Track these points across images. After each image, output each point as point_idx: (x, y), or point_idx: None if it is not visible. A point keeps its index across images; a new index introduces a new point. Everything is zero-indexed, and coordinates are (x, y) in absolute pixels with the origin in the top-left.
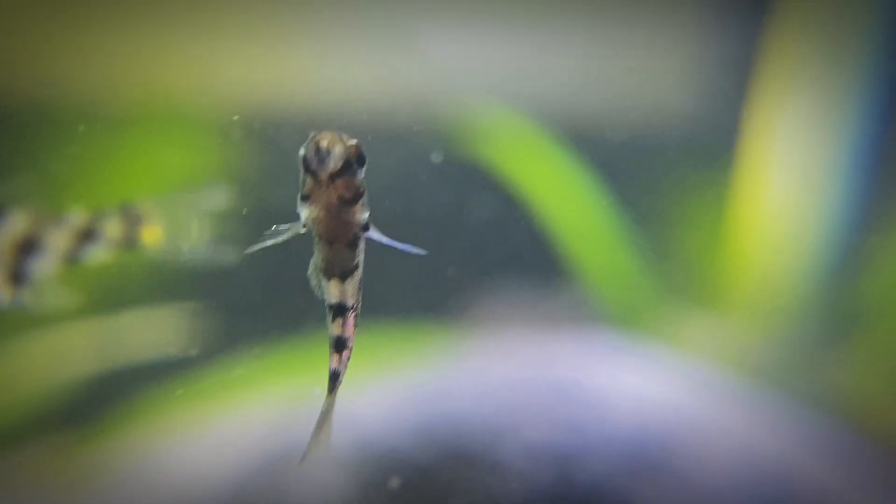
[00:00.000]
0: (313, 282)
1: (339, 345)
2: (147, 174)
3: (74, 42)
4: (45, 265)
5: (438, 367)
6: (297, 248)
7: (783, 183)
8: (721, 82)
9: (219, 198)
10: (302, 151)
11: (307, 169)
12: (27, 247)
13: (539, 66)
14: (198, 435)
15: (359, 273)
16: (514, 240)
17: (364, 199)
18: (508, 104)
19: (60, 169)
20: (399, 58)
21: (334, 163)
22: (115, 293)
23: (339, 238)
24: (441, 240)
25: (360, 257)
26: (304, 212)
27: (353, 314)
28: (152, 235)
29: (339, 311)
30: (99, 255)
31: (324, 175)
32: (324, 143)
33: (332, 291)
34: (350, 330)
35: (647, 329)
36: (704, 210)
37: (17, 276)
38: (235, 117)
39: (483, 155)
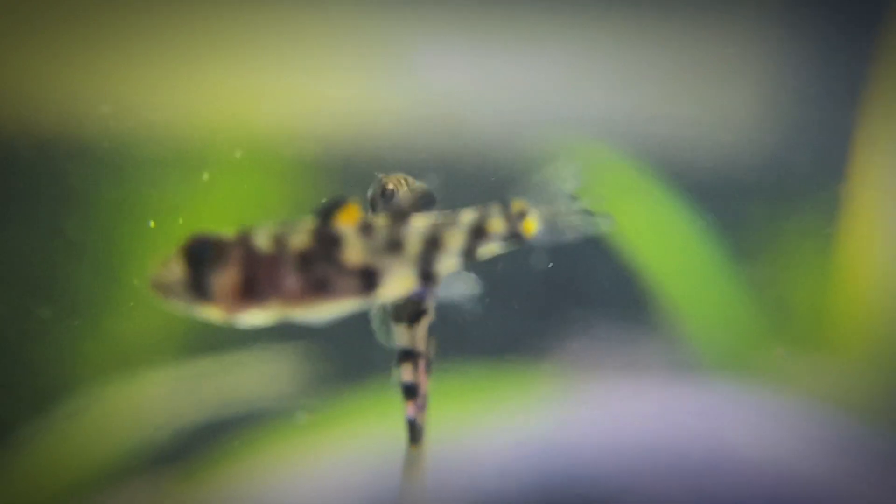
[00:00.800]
0: (377, 326)
1: (410, 392)
2: (243, 206)
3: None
4: (447, 261)
5: (549, 415)
6: None
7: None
8: (828, 112)
9: (577, 177)
10: (370, 193)
11: (374, 211)
12: (431, 246)
13: (631, 99)
14: (301, 474)
15: (429, 318)
16: (611, 282)
17: None
18: (600, 138)
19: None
20: (484, 91)
21: (401, 205)
22: (222, 332)
23: None
24: (539, 283)
25: (431, 302)
26: None
27: (424, 360)
28: (530, 227)
29: (408, 356)
30: (488, 249)
31: None
32: (389, 186)
33: (400, 336)
34: (422, 376)
35: (756, 373)
36: (811, 245)
37: (425, 273)
38: (321, 149)
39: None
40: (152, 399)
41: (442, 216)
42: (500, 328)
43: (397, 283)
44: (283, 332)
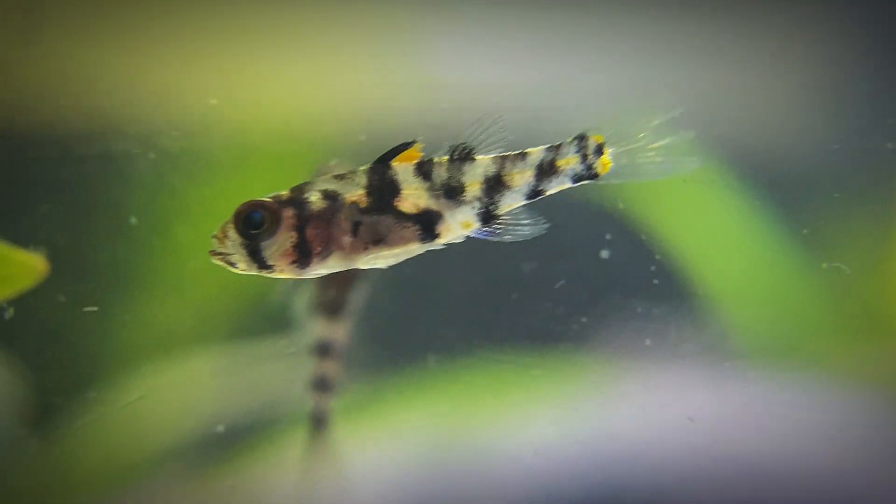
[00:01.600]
0: (298, 313)
1: (323, 385)
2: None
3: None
4: (511, 201)
5: (593, 406)
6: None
7: None
8: (889, 97)
9: (664, 113)
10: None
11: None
12: (494, 185)
13: (691, 82)
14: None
15: (351, 314)
16: (657, 270)
17: None
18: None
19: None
20: (538, 80)
21: None
22: (264, 320)
23: (335, 275)
24: (581, 271)
25: (355, 294)
26: None
27: (340, 353)
28: (605, 165)
29: (324, 349)
30: (558, 187)
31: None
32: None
33: (318, 327)
34: (336, 370)
35: (806, 365)
36: (869, 235)
37: (486, 214)
38: (362, 137)
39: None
40: (197, 387)
41: (509, 153)
42: (542, 316)
43: (458, 226)
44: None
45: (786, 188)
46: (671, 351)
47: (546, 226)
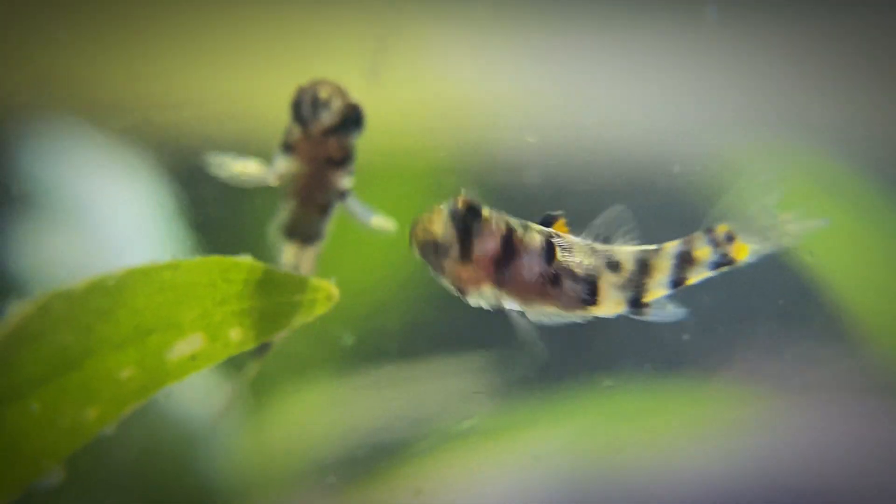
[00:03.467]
0: (271, 239)
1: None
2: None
3: None
4: (655, 290)
5: (732, 438)
6: None
7: None
8: None
9: (775, 187)
10: (296, 97)
11: (297, 117)
12: (642, 271)
13: (828, 95)
14: (472, 487)
15: (320, 243)
16: (796, 295)
17: (351, 165)
18: (788, 138)
19: None
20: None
21: (331, 117)
22: (410, 342)
23: (312, 199)
24: (720, 298)
25: (327, 225)
26: (282, 163)
27: None
28: (741, 249)
29: None
30: (699, 276)
31: (316, 128)
32: (323, 94)
33: (287, 255)
34: None
35: None
36: None
37: (635, 300)
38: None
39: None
40: (327, 410)
41: (648, 247)
42: (671, 343)
43: (611, 302)
44: (461, 343)
45: None
46: (810, 381)
47: (685, 311)
